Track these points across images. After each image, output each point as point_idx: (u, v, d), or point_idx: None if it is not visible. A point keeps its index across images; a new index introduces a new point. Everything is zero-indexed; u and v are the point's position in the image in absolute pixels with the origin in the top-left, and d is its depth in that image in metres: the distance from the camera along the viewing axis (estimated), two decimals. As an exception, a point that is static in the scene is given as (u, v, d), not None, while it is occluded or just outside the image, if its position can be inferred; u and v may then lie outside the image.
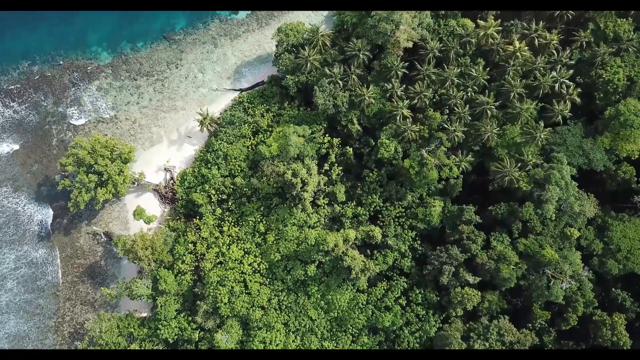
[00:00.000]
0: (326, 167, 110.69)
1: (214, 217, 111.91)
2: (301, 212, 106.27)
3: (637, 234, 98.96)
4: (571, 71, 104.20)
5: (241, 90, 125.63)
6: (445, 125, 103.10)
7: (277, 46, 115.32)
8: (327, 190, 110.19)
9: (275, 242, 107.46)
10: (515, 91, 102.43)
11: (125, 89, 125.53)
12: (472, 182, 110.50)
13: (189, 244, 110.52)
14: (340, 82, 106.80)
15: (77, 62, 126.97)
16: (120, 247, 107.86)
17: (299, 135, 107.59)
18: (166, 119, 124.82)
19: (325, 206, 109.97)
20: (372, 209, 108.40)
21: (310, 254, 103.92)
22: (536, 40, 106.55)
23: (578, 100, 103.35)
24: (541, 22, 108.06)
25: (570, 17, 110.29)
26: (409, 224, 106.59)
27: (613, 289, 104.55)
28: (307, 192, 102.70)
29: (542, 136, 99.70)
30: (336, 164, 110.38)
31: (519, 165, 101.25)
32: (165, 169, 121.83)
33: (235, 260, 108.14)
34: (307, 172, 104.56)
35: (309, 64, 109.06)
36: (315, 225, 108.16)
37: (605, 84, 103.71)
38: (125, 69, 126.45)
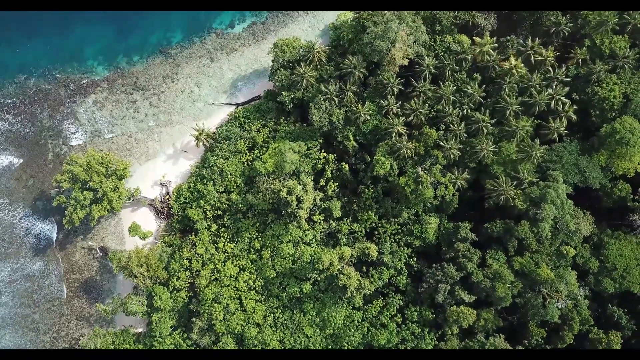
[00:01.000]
0: (322, 182, 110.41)
1: (210, 233, 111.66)
2: (297, 229, 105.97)
3: (633, 253, 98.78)
4: (567, 88, 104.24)
5: (237, 104, 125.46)
6: (441, 143, 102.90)
7: (273, 61, 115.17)
8: (323, 206, 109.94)
9: (270, 258, 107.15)
10: (511, 109, 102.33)
11: (121, 103, 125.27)
12: (468, 198, 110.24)
13: (184, 261, 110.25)
14: (335, 99, 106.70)
15: (73, 76, 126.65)
16: (115, 264, 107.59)
17: (294, 152, 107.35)
18: (162, 134, 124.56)
19: (321, 222, 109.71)
20: (367, 226, 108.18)
21: (305, 271, 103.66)
22: (532, 57, 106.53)
23: (574, 117, 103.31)
24: (537, 39, 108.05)
25: (567, 32, 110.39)
26: (404, 241, 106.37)
27: (609, 305, 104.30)
28: (302, 209, 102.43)
29: (538, 154, 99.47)
30: (332, 180, 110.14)
31: (515, 183, 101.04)
32: (161, 183, 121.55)
33: (231, 277, 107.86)
34: (302, 189, 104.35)
35: (304, 81, 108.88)
36: (310, 241, 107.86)
37: (601, 101, 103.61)
38: (121, 83, 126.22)
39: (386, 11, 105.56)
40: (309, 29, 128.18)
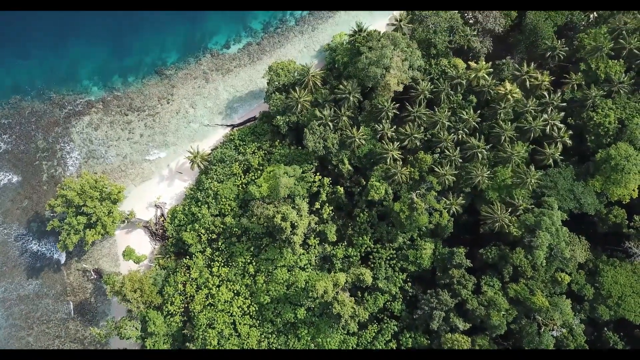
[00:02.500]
0: (317, 205, 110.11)
1: (204, 256, 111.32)
2: (291, 254, 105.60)
3: (628, 280, 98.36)
4: (562, 113, 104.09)
5: (233, 125, 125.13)
6: (436, 169, 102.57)
7: (268, 84, 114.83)
8: (318, 229, 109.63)
9: (265, 283, 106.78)
10: (506, 134, 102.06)
11: (116, 124, 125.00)
12: (463, 221, 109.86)
13: (179, 285, 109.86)
14: (330, 123, 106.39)
15: (68, 97, 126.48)
16: (109, 290, 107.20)
17: (289, 176, 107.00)
18: (157, 155, 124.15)
19: (316, 245, 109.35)
20: (363, 250, 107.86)
21: (299, 297, 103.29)
22: (527, 82, 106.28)
23: (569, 142, 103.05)
24: (532, 63, 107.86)
25: (562, 56, 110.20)
26: (399, 266, 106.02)
27: (605, 329, 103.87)
28: (296, 235, 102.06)
29: (533, 180, 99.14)
30: (327, 203, 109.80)
31: (510, 209, 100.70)
32: (155, 205, 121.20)
33: (225, 302, 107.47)
34: (297, 214, 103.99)
35: (299, 105, 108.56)
36: (305, 266, 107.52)
37: (597, 126, 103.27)
38: (116, 104, 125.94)
39: (381, 36, 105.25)
40: (304, 49, 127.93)
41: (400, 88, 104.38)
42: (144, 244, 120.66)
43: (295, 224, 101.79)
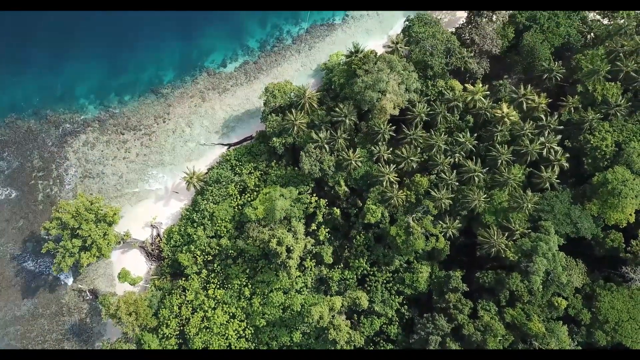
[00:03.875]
0: (313, 226, 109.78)
1: (200, 278, 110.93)
2: (287, 278, 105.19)
3: (625, 306, 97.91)
4: (559, 136, 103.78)
5: (229, 145, 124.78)
6: (432, 192, 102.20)
7: (264, 104, 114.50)
8: (314, 251, 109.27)
9: (260, 306, 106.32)
10: (502, 158, 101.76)
11: (112, 143, 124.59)
12: (460, 243, 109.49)
13: (174, 307, 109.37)
14: (326, 146, 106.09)
15: (64, 116, 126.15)
16: (104, 312, 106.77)
17: (285, 198, 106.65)
18: (153, 174, 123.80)
19: (313, 268, 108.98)
20: (359, 273, 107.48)
21: (295, 322, 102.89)
22: (524, 104, 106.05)
23: (566, 165, 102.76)
24: (529, 86, 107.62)
25: (559, 78, 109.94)
26: (396, 289, 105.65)
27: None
28: (292, 259, 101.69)
29: (529, 205, 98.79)
30: (323, 225, 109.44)
31: (506, 234, 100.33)
32: (151, 225, 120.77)
33: (221, 325, 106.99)
34: (293, 237, 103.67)
35: (295, 127, 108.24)
36: (301, 289, 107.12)
37: (594, 149, 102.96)
38: (112, 123, 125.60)
39: (377, 59, 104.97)
40: (301, 68, 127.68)
41: (397, 112, 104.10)
42: (139, 264, 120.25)
43: (291, 247, 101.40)
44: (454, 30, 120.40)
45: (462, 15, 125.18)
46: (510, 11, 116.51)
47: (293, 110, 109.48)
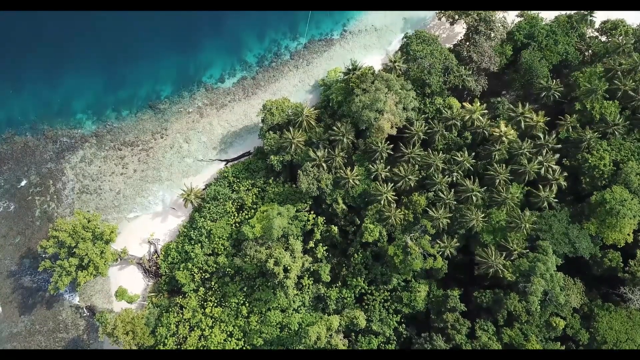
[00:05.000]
0: (311, 244, 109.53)
1: (197, 296, 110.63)
2: (284, 298, 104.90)
3: (623, 326, 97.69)
4: (557, 155, 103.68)
5: (227, 161, 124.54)
6: (430, 212, 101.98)
7: (262, 121, 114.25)
8: (312, 269, 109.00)
9: (258, 325, 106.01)
10: (500, 178, 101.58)
11: (109, 159, 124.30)
12: (458, 261, 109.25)
13: (172, 325, 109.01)
14: (324, 164, 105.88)
15: (61, 131, 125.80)
16: (101, 331, 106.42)
17: (283, 216, 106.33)
18: (151, 190, 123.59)
19: (310, 286, 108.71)
20: (357, 292, 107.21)
21: (293, 341, 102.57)
22: (522, 123, 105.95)
23: (564, 184, 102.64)
24: (527, 104, 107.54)
25: (557, 96, 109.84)
26: (394, 308, 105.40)
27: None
28: (289, 278, 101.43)
29: (527, 226, 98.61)
30: (321, 243, 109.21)
31: (504, 254, 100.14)
32: (149, 241, 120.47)
33: (218, 343, 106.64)
34: (290, 255, 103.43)
35: (293, 146, 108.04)
36: (299, 308, 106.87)
37: (592, 169, 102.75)
38: (109, 139, 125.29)
39: (375, 77, 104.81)
40: (299, 84, 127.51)
41: (394, 132, 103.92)
42: (137, 281, 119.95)
43: (289, 267, 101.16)
44: (452, 46, 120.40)
45: (460, 31, 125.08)
46: (508, 29, 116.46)
47: (291, 129, 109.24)
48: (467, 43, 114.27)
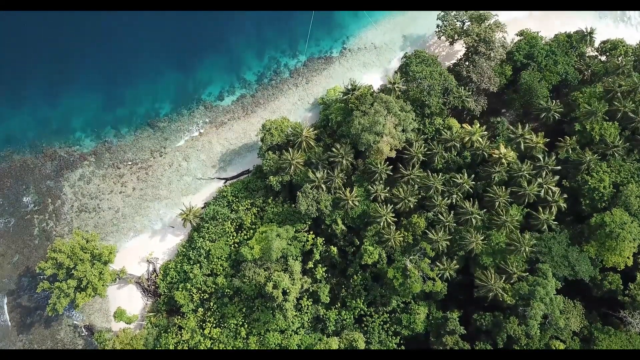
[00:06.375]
0: (310, 264, 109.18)
1: (196, 317, 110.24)
2: (283, 320, 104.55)
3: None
4: (557, 177, 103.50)
5: (226, 179, 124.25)
6: (430, 234, 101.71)
7: (262, 141, 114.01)
8: (311, 290, 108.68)
9: (257, 346, 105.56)
10: (500, 200, 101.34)
11: (108, 178, 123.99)
12: (458, 282, 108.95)
13: (170, 347, 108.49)
14: (323, 185, 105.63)
15: (60, 149, 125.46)
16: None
17: (282, 238, 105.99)
18: (149, 209, 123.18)
19: (309, 306, 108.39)
20: (356, 313, 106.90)
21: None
22: (522, 144, 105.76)
23: (564, 206, 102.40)
24: (527, 125, 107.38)
25: (557, 117, 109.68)
26: (393, 330, 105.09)
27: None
28: (288, 301, 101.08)
29: (527, 249, 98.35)
30: (320, 264, 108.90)
31: (504, 277, 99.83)
32: (147, 260, 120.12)
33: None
34: (289, 278, 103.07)
35: (292, 167, 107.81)
36: (298, 329, 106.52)
37: (591, 191, 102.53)
38: (108, 157, 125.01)
39: (374, 99, 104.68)
40: (298, 102, 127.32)
41: (393, 154, 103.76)
42: (135, 299, 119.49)
43: (287, 290, 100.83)
44: (451, 65, 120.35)
45: (459, 49, 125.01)
46: (508, 49, 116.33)
47: (290, 149, 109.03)
48: (467, 63, 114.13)
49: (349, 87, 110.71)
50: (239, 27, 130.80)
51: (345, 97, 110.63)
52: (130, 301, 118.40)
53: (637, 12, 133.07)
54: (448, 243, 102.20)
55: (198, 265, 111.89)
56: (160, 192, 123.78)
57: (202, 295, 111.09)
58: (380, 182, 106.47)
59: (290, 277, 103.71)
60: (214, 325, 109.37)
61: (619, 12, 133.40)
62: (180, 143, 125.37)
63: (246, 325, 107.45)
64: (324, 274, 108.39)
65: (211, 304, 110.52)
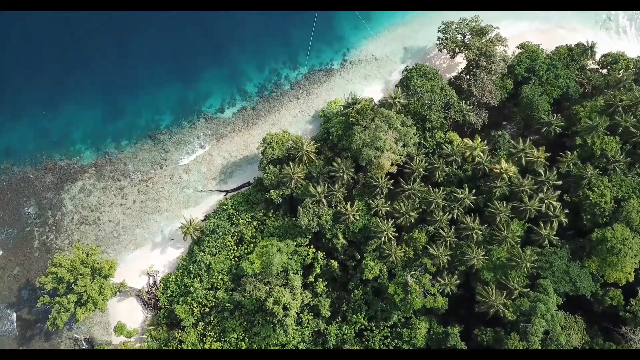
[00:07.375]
0: (311, 278, 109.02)
1: (196, 331, 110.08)
2: (284, 334, 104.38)
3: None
4: (558, 192, 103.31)
5: (227, 191, 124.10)
6: (431, 250, 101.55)
7: (262, 154, 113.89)
8: (311, 304, 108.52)
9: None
10: (500, 216, 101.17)
11: (108, 190, 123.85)
12: (459, 296, 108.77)
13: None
14: (324, 200, 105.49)
15: (60, 162, 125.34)
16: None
17: (282, 252, 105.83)
18: (150, 221, 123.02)
19: (310, 320, 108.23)
20: (357, 328, 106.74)
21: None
22: (523, 159, 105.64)
23: (565, 221, 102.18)
24: (528, 139, 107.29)
25: (558, 131, 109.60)
26: (394, 345, 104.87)
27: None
28: (289, 317, 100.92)
29: (528, 265, 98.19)
30: (321, 278, 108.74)
31: (505, 293, 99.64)
32: (148, 273, 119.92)
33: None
34: (290, 292, 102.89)
35: (293, 181, 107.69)
36: (298, 344, 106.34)
37: (593, 206, 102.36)
38: (109, 169, 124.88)
39: (375, 114, 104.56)
40: (299, 114, 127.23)
41: (394, 169, 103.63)
42: (135, 312, 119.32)
43: (288, 305, 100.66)
44: (452, 78, 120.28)
45: (460, 61, 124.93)
46: (509, 62, 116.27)
47: (291, 163, 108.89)
48: (468, 76, 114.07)
49: (350, 100, 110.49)
50: (240, 39, 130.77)
51: (346, 110, 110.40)
52: (131, 314, 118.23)
53: (636, 23, 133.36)
54: (449, 258, 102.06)
55: (198, 278, 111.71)
56: (161, 205, 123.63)
57: (203, 309, 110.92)
58: (381, 196, 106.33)
59: (290, 292, 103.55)
60: (215, 339, 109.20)
61: (620, 23, 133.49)
62: (184, 162, 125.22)
63: (247, 340, 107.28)
64: (324, 288, 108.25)
65: (211, 317, 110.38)
